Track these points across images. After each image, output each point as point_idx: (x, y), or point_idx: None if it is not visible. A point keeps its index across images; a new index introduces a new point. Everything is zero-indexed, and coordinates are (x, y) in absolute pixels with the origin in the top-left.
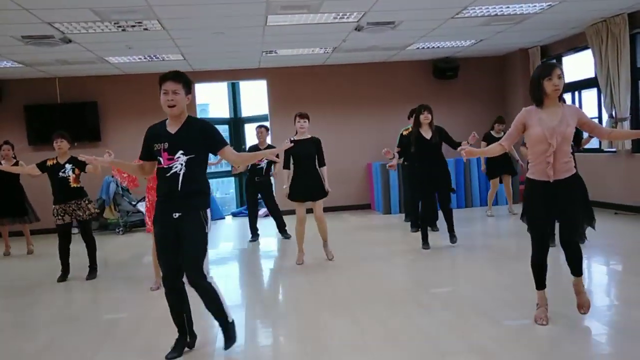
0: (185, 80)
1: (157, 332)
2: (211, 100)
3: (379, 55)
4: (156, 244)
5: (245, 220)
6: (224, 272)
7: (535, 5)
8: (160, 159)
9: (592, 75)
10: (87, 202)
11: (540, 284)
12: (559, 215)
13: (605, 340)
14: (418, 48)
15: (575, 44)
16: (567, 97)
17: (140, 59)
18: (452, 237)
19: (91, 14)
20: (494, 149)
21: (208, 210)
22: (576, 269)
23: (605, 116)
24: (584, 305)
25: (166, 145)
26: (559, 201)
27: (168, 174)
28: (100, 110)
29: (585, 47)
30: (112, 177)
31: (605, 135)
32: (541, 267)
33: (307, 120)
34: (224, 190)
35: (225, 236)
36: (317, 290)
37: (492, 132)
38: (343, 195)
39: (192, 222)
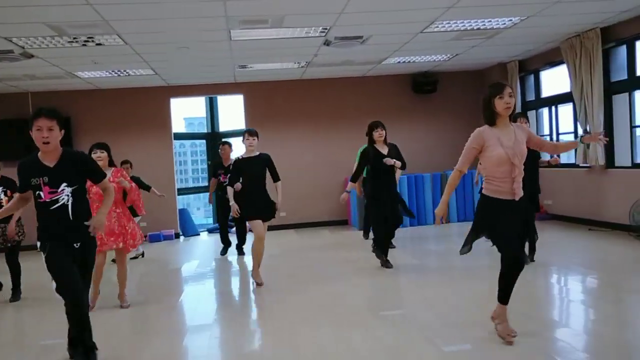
0: (60, 117)
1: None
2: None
3: (355, 70)
4: (58, 268)
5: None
6: (191, 290)
7: (504, 20)
8: (41, 193)
9: (568, 90)
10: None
11: (508, 298)
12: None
13: None
14: (394, 62)
15: (551, 59)
16: (545, 112)
17: (110, 74)
18: (387, 261)
19: (47, 28)
20: (455, 179)
21: None
22: (507, 296)
23: (580, 131)
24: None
25: (46, 179)
26: (522, 218)
27: (54, 207)
28: (74, 126)
29: (561, 62)
30: None
31: (552, 149)
32: (514, 282)
33: (256, 138)
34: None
35: (193, 253)
36: (265, 311)
37: None
38: (321, 211)
39: (92, 248)
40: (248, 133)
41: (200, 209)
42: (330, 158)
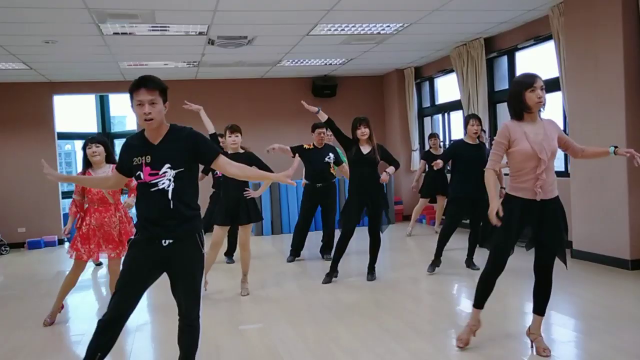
0: (162, 87)
1: None
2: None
3: (252, 71)
4: (125, 272)
5: None
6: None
7: (389, 26)
8: (141, 174)
9: (459, 97)
10: None
11: (482, 303)
12: (541, 236)
13: None
14: (290, 65)
15: (444, 66)
16: (440, 118)
17: None
18: (372, 273)
19: None
20: (492, 180)
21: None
22: (542, 306)
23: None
24: (546, 348)
25: (148, 158)
26: (545, 222)
27: (153, 190)
28: None
29: (452, 70)
30: None
31: (579, 154)
32: (492, 285)
33: (239, 135)
34: None
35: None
36: None
37: (431, 150)
38: None
39: (189, 248)
40: (230, 130)
41: None
42: None
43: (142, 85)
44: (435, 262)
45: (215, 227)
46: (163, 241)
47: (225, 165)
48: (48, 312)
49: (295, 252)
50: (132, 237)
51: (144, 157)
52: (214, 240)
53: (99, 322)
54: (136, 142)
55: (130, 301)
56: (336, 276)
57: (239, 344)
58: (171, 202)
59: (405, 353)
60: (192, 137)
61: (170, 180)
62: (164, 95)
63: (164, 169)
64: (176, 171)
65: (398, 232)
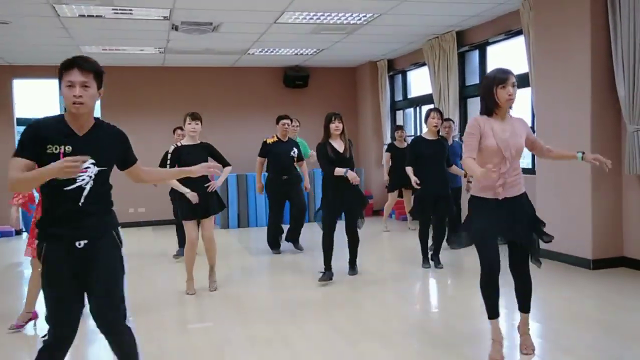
0: (98, 70)
1: None
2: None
3: (221, 59)
4: (49, 286)
5: None
6: None
7: (358, 15)
8: None
9: (431, 91)
10: None
11: (494, 311)
12: (509, 235)
13: None
14: (259, 53)
15: (416, 59)
16: (412, 112)
17: None
18: (354, 268)
19: None
20: (471, 161)
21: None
22: (525, 304)
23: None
24: (529, 346)
25: (69, 148)
26: (509, 220)
27: (68, 188)
28: None
29: (424, 63)
30: None
31: (545, 154)
32: (495, 289)
33: (199, 123)
34: None
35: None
36: None
37: (395, 143)
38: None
39: (106, 247)
40: (191, 117)
41: None
42: None
43: (75, 65)
44: (426, 261)
45: (186, 224)
46: (77, 243)
47: (140, 173)
48: None
49: (276, 245)
50: (38, 246)
51: (62, 147)
52: (190, 238)
53: (42, 349)
54: (51, 127)
55: (72, 318)
56: (331, 278)
57: (184, 344)
58: (83, 200)
59: (352, 354)
60: (122, 138)
61: (90, 177)
62: (99, 80)
63: (86, 164)
64: (99, 169)
65: (368, 229)
